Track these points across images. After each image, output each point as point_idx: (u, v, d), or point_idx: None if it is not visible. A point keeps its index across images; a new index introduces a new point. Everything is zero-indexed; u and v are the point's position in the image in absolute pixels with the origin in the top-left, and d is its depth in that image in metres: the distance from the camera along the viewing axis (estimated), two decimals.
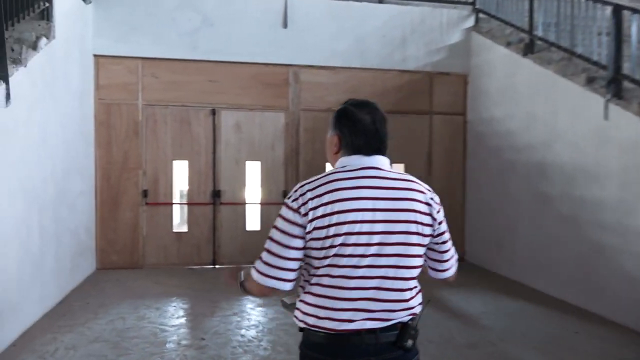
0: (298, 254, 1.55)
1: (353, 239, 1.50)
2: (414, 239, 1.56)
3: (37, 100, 4.43)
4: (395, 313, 1.55)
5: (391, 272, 1.53)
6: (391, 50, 7.03)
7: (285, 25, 6.75)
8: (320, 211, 1.50)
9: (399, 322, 1.55)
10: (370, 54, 6.98)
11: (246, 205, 6.79)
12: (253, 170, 6.88)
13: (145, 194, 6.49)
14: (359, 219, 1.51)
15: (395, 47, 7.04)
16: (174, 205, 6.66)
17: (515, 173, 6.12)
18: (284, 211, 1.56)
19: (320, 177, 1.59)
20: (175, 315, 4.56)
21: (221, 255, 6.72)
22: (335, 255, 1.51)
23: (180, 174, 6.73)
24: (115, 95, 6.41)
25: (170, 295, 5.19)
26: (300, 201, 1.53)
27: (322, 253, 1.52)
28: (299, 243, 1.53)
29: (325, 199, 1.51)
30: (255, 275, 1.59)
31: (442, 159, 7.26)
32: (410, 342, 1.55)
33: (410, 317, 1.58)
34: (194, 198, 6.66)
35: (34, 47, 4.36)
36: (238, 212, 6.74)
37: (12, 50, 4.08)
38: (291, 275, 1.56)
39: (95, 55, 6.31)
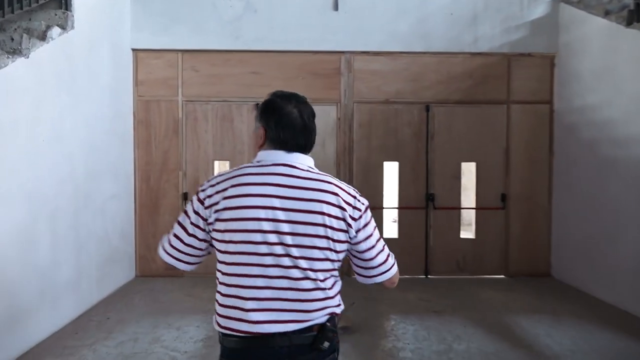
0: (197, 244, 1.59)
1: (256, 237, 1.49)
2: (321, 242, 1.51)
3: (47, 96, 4.03)
4: (309, 314, 1.51)
5: (298, 273, 1.50)
6: (460, 30, 6.03)
7: (336, 7, 5.99)
8: (222, 205, 1.51)
9: (315, 324, 1.52)
10: (434, 35, 6.03)
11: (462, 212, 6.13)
12: None
13: (185, 197, 6.02)
14: (262, 216, 1.49)
15: (465, 26, 6.03)
16: None
17: (616, 172, 4.92)
18: (193, 199, 1.60)
19: (232, 171, 1.60)
20: (193, 339, 3.98)
21: None
22: (238, 252, 1.50)
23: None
24: (154, 91, 6.00)
25: (197, 312, 4.64)
26: (208, 192, 1.56)
27: (222, 247, 1.53)
28: (199, 233, 1.57)
29: (230, 192, 1.52)
30: (159, 249, 1.67)
31: (522, 156, 6.14)
32: (326, 344, 1.53)
33: (327, 317, 1.55)
34: None
35: (42, 37, 3.97)
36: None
37: (12, 39, 3.69)
38: (190, 259, 1.61)
39: (134, 50, 5.94)
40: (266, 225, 1.48)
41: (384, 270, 1.64)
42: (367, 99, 6.09)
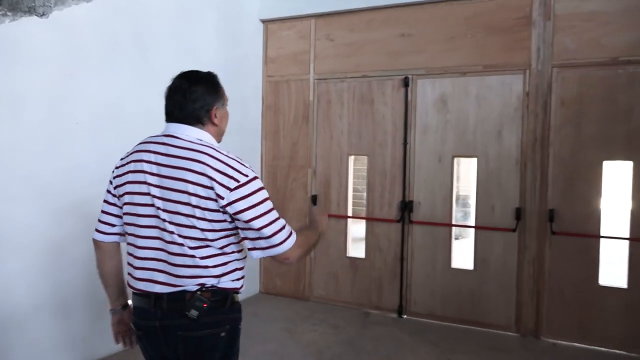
0: (112, 210, 1.72)
1: (128, 199, 1.63)
2: (185, 209, 1.56)
3: (81, 68, 3.24)
4: (179, 279, 1.58)
5: (168, 237, 1.57)
6: None
7: None
8: (119, 172, 1.68)
9: (188, 291, 1.58)
10: None
11: (452, 229, 4.25)
12: (464, 172, 4.29)
13: (314, 200, 4.75)
14: (140, 180, 1.61)
15: None
16: (348, 220, 4.70)
17: None
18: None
19: (136, 145, 1.70)
20: None
21: (411, 301, 4.39)
22: (125, 214, 1.66)
23: (358, 174, 4.73)
24: (284, 69, 4.89)
25: None
26: (116, 164, 1.73)
27: (120, 212, 1.71)
28: (111, 202, 1.72)
29: (125, 161, 1.68)
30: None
31: None
32: (194, 313, 1.56)
33: (199, 287, 1.58)
34: (375, 211, 4.53)
35: None
36: (438, 238, 4.28)
37: None
38: (104, 228, 1.74)
39: (263, 21, 4.94)
40: (144, 188, 1.60)
41: (274, 243, 1.60)
42: (576, 60, 3.81)
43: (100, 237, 1.74)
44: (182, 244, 1.56)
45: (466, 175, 6.43)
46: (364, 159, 4.62)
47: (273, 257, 1.63)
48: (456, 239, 4.69)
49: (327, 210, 2.01)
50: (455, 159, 4.26)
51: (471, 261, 4.19)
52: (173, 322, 1.58)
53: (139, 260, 1.62)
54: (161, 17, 3.76)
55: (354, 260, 4.65)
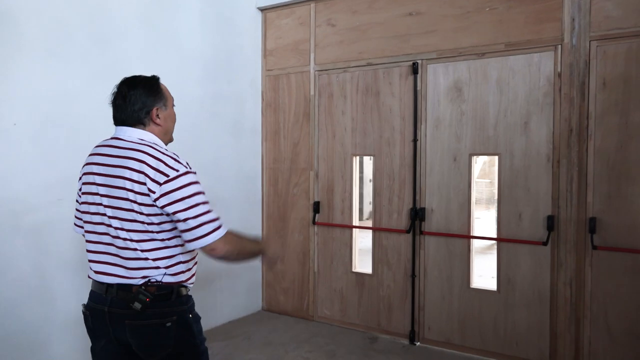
0: (79, 207, 1.84)
1: (84, 199, 1.76)
2: (125, 204, 1.65)
3: (19, 62, 2.88)
4: (128, 271, 1.68)
5: (114, 232, 1.68)
6: None
7: None
8: (80, 174, 1.81)
9: (132, 284, 1.68)
10: None
11: (471, 242, 3.55)
12: (484, 173, 3.59)
13: (316, 207, 4.20)
14: (90, 181, 1.74)
15: None
16: (354, 230, 4.10)
17: None
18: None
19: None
20: None
21: (425, 326, 3.72)
22: (82, 212, 1.79)
23: (364, 177, 4.12)
24: (283, 61, 4.39)
25: None
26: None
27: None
28: (78, 200, 1.85)
29: (84, 163, 1.80)
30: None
31: None
32: (137, 305, 1.65)
33: (144, 280, 1.68)
34: (383, 219, 3.91)
35: None
36: (455, 251, 3.59)
37: None
38: (77, 222, 1.90)
39: (260, 9, 4.46)
40: (93, 189, 1.72)
41: (199, 235, 1.65)
42: (621, 29, 3.03)
43: (77, 229, 1.92)
44: (126, 239, 1.67)
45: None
46: (371, 159, 4.00)
47: (202, 250, 1.70)
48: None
49: (278, 253, 2.08)
50: (474, 158, 3.57)
51: (494, 280, 3.47)
52: (120, 311, 1.69)
53: (93, 254, 1.75)
54: (126, 1, 3.36)
55: (361, 276, 4.04)
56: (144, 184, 1.62)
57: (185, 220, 1.63)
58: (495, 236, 3.48)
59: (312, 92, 4.23)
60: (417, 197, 3.73)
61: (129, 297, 1.67)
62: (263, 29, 4.48)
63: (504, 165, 3.40)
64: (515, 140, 3.36)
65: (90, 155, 1.78)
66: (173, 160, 1.65)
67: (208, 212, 1.67)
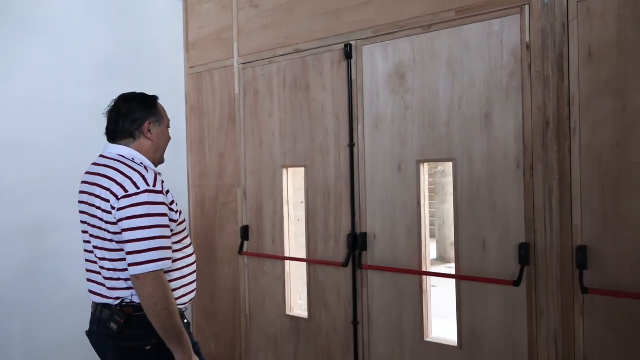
0: None
1: (81, 219, 1.77)
2: (98, 222, 1.66)
3: None
4: (108, 291, 1.70)
5: (96, 252, 1.70)
6: None
7: None
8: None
9: (109, 304, 1.69)
10: None
11: (425, 279, 2.63)
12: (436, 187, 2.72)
13: (245, 233, 3.37)
14: (81, 200, 1.78)
15: None
16: (287, 262, 3.23)
17: None
18: None
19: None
20: None
21: None
22: (82, 231, 1.80)
23: (296, 193, 3.27)
24: (206, 55, 3.60)
25: None
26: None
27: None
28: None
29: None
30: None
31: None
32: (113, 326, 1.65)
33: (119, 301, 1.68)
34: (318, 249, 3.03)
35: None
36: (404, 291, 2.67)
37: None
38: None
39: None
40: (83, 207, 1.76)
41: (132, 262, 1.59)
42: None
43: None
44: (103, 258, 1.69)
45: None
46: (302, 170, 3.15)
47: (132, 280, 1.63)
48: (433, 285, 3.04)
49: None
50: (423, 166, 2.67)
51: (455, 330, 2.55)
52: (104, 330, 1.69)
53: (87, 273, 1.77)
54: None
55: (296, 320, 3.16)
56: (108, 201, 1.62)
57: (127, 241, 1.60)
58: (453, 272, 2.56)
59: (236, 91, 3.42)
60: (357, 219, 2.85)
61: (107, 317, 1.68)
62: (185, 18, 3.72)
63: (460, 174, 2.50)
64: (475, 140, 2.45)
65: (84, 174, 1.80)
66: (139, 176, 1.63)
67: (152, 238, 1.59)
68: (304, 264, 3.13)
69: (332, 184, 2.95)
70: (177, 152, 3.66)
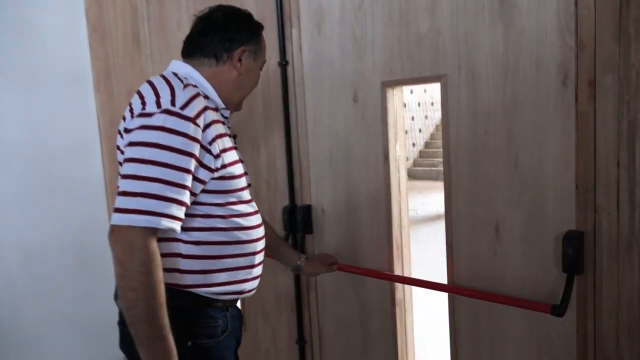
0: None
1: None
2: (119, 157, 1.18)
3: None
4: None
5: None
6: None
7: None
8: None
9: None
10: None
11: (399, 289, 1.56)
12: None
13: None
14: None
15: None
16: None
17: None
18: None
19: None
20: None
21: None
22: None
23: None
24: None
25: None
26: None
27: None
28: None
29: None
30: None
31: None
32: (120, 305, 1.11)
33: None
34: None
35: None
36: (370, 301, 1.63)
37: None
38: None
39: None
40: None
41: (115, 205, 1.03)
42: None
43: None
44: None
45: None
46: None
47: None
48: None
49: None
50: (391, 91, 1.54)
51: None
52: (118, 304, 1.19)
53: None
54: None
55: None
56: (125, 119, 1.12)
57: (120, 178, 1.06)
58: (445, 281, 1.47)
59: None
60: (296, 184, 1.78)
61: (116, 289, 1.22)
62: None
63: (453, 102, 1.36)
64: (481, 38, 1.29)
65: None
66: (167, 91, 1.07)
67: (150, 180, 1.02)
68: None
69: (260, 126, 1.87)
70: (80, 91, 2.65)
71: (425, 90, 11.34)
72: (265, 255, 1.31)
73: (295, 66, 1.72)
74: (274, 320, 1.95)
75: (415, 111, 11.41)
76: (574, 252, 1.16)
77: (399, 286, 1.57)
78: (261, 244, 1.26)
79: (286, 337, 1.92)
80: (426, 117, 11.59)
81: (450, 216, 1.40)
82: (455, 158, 1.37)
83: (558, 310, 1.18)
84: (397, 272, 1.56)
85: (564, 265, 1.18)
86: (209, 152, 1.11)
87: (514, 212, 1.28)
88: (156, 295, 1.01)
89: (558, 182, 1.21)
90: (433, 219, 6.88)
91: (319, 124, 1.69)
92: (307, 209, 1.76)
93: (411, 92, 11.17)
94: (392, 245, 1.54)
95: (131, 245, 1.00)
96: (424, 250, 4.79)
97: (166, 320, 1.03)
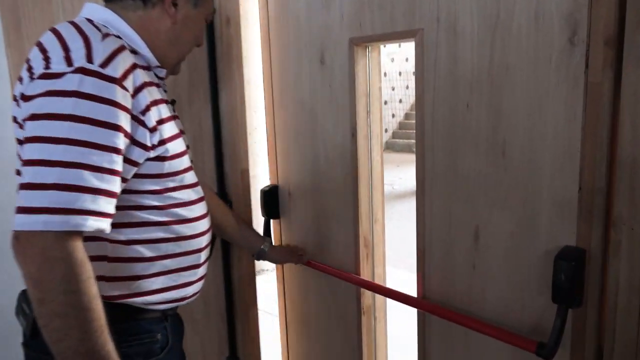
0: None
1: None
2: (17, 133, 0.92)
3: None
4: None
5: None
6: None
7: None
8: None
9: None
10: None
11: (369, 297, 1.29)
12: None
13: None
14: None
15: None
16: None
17: None
18: None
19: None
20: None
21: None
22: None
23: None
24: None
25: None
26: None
27: None
28: None
29: None
30: None
31: None
32: (22, 322, 0.94)
33: None
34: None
35: None
36: (338, 305, 1.37)
37: None
38: None
39: None
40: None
41: (17, 203, 0.76)
42: None
43: None
44: None
45: None
46: None
47: None
48: None
49: None
50: (362, 52, 1.22)
51: None
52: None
53: None
54: None
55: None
56: (22, 82, 0.84)
57: (22, 163, 0.79)
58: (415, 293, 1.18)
59: None
60: (251, 160, 1.52)
61: (18, 300, 1.03)
62: None
63: (431, 66, 1.04)
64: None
65: None
66: (81, 44, 0.80)
67: (66, 165, 0.75)
68: None
69: (195, 81, 1.60)
70: None
71: (407, 60, 10.89)
72: (223, 237, 1.16)
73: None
74: (202, 330, 1.70)
75: (397, 81, 11.01)
76: (568, 276, 0.85)
77: (366, 291, 1.30)
78: (207, 238, 1.03)
79: (216, 352, 1.66)
80: (407, 87, 11.14)
81: (423, 215, 1.10)
82: (430, 140, 1.06)
83: (543, 350, 0.88)
84: (365, 274, 1.28)
85: (553, 292, 0.87)
86: (143, 124, 0.85)
87: (499, 215, 0.97)
88: (94, 318, 0.77)
89: (556, 179, 0.89)
90: (410, 194, 6.26)
91: (284, 91, 1.41)
92: (274, 191, 1.50)
93: (392, 60, 10.76)
94: (358, 243, 1.26)
95: (47, 258, 0.75)
96: (399, 229, 4.43)
97: (110, 347, 0.79)
